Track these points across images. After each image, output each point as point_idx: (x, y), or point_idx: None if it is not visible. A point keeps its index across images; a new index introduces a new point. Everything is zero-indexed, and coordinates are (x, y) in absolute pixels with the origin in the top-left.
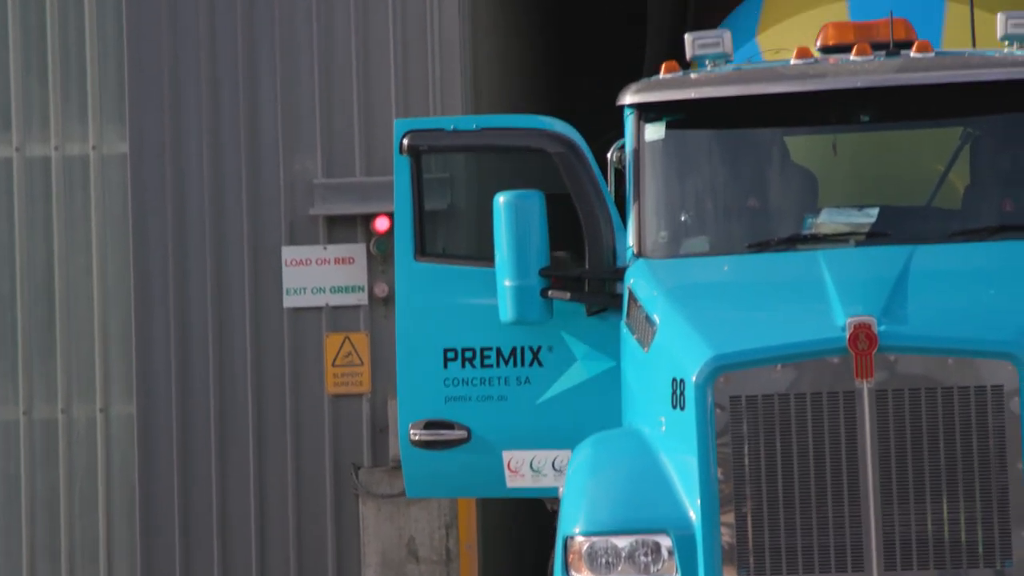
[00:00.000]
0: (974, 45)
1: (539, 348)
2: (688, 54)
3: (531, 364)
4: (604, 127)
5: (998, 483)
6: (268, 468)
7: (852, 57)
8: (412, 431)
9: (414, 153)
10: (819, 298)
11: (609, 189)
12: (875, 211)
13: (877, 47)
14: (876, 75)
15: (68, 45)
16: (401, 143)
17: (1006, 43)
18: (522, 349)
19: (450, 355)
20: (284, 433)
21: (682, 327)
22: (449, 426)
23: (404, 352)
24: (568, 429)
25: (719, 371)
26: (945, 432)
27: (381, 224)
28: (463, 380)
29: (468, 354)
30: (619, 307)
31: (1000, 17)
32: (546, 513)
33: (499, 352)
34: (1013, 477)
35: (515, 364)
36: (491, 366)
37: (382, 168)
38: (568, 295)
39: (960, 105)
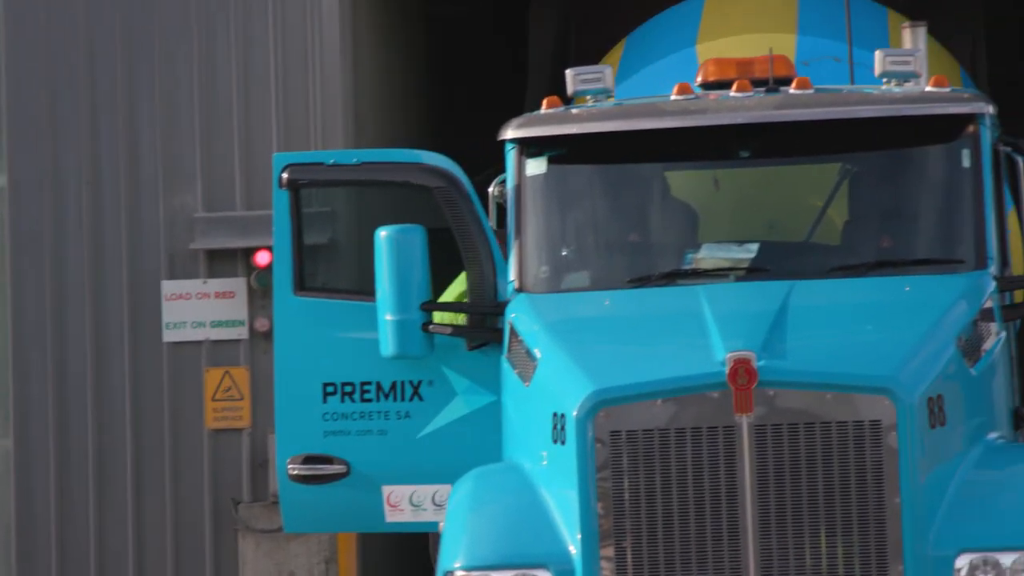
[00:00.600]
0: (852, 82)
1: (419, 383)
2: (569, 89)
3: (411, 399)
4: (487, 161)
5: (875, 517)
6: (147, 503)
7: (732, 93)
8: (290, 466)
9: (293, 187)
10: (699, 333)
11: (491, 223)
12: (755, 246)
13: (757, 83)
14: (756, 111)
15: None
16: (280, 177)
17: (884, 80)
18: (402, 383)
19: (329, 389)
20: (163, 468)
21: (563, 362)
22: (328, 460)
23: (283, 386)
24: (449, 464)
25: (600, 406)
26: (823, 467)
27: (262, 258)
28: (342, 414)
29: (347, 388)
30: (500, 342)
31: (878, 54)
32: (427, 547)
33: (379, 386)
34: (890, 512)
35: (395, 399)
36: (371, 400)
37: (262, 202)
38: (449, 329)
39: (839, 141)
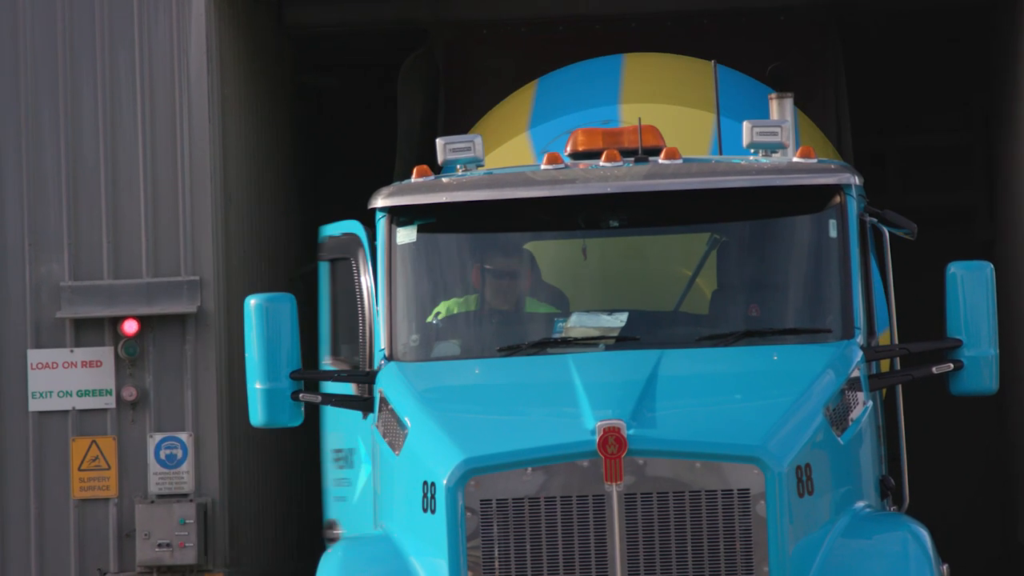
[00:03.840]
0: (720, 152)
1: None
2: (440, 158)
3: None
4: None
5: None
6: (12, 573)
7: (601, 163)
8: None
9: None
10: (569, 402)
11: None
12: (624, 315)
13: (626, 153)
14: (624, 181)
15: None
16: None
17: (752, 150)
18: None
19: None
20: (28, 538)
21: (433, 431)
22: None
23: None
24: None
25: (470, 474)
26: (692, 535)
27: (129, 327)
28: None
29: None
30: (371, 409)
31: (746, 125)
32: None
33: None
34: None
35: (348, 465)
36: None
37: (129, 271)
38: (319, 398)
39: (707, 211)
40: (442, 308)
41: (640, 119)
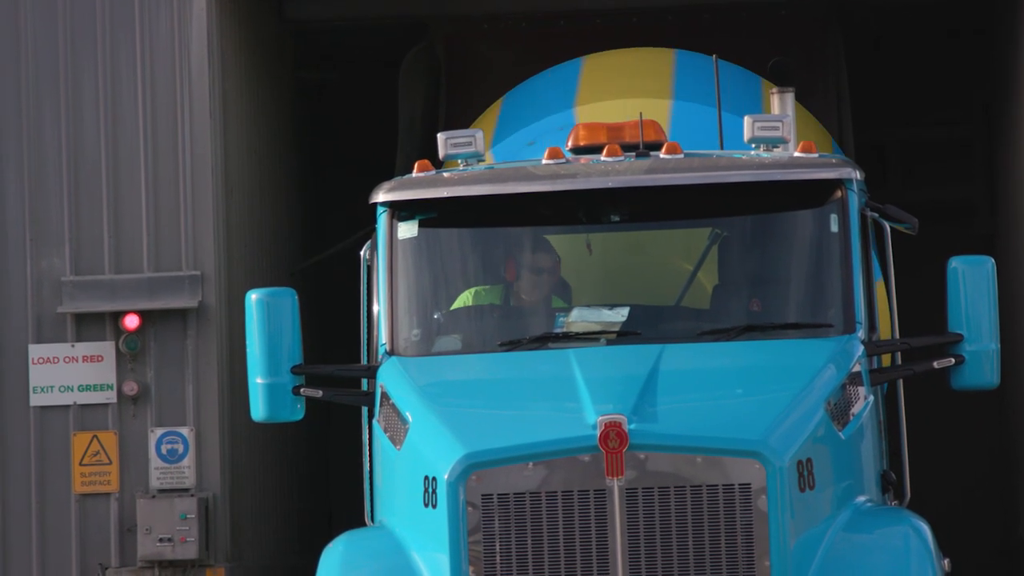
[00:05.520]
0: (722, 147)
1: None
2: (441, 153)
3: None
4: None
5: None
6: (14, 568)
7: (603, 158)
8: None
9: None
10: (570, 396)
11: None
12: (626, 310)
13: (627, 148)
14: (625, 175)
15: None
16: None
17: (753, 145)
18: None
19: None
20: (30, 533)
21: (434, 425)
22: None
23: None
24: None
25: (471, 469)
26: (694, 530)
27: (130, 322)
28: None
29: None
30: (372, 405)
31: (747, 120)
32: None
33: None
34: (760, 574)
35: None
36: None
37: (131, 265)
38: (320, 393)
39: (708, 206)
40: (469, 295)
41: (641, 114)
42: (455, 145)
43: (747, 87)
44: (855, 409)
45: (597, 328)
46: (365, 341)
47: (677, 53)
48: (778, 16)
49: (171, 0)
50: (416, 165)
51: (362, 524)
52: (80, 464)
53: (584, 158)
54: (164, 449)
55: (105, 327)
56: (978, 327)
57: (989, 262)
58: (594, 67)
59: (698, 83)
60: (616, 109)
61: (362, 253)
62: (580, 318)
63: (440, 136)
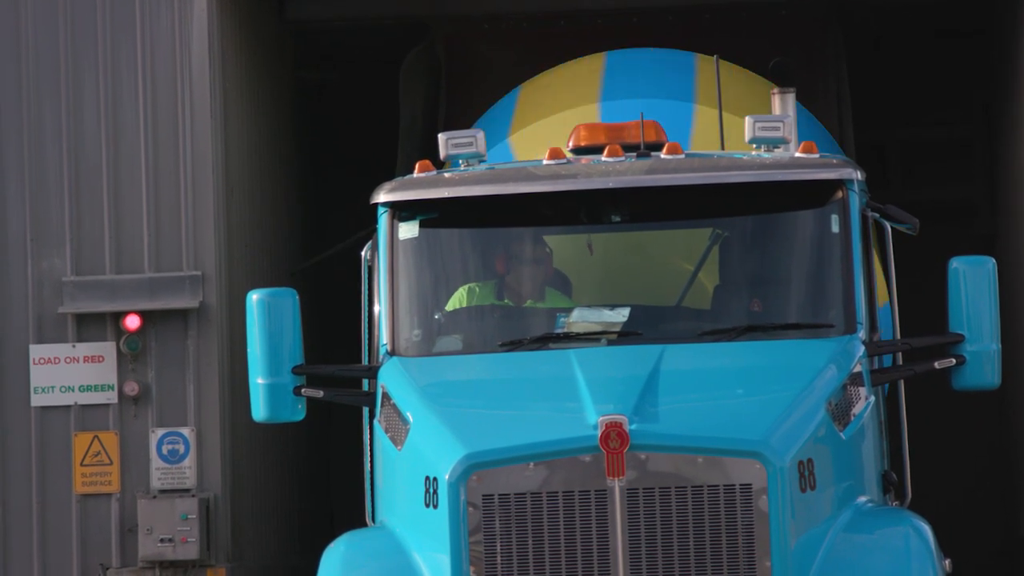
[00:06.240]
0: (723, 147)
1: None
2: (442, 154)
3: None
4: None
5: None
6: (14, 569)
7: (603, 158)
8: None
9: None
10: (571, 397)
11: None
12: (626, 311)
13: (628, 148)
14: (626, 176)
15: None
16: None
17: (753, 146)
18: None
19: None
20: (31, 533)
21: (435, 426)
22: None
23: None
24: None
25: (472, 469)
26: (695, 530)
27: (131, 322)
28: None
29: None
30: (372, 405)
31: (748, 120)
32: None
33: None
34: (760, 574)
35: None
36: None
37: (132, 266)
38: (321, 393)
39: (709, 206)
40: (463, 291)
41: (642, 114)
42: (456, 146)
43: (679, 68)
44: (856, 409)
45: (598, 328)
46: (366, 341)
47: (607, 55)
48: (778, 16)
49: (172, 0)
50: (417, 165)
51: (363, 524)
52: (81, 464)
53: (585, 158)
54: (165, 449)
55: (106, 327)
56: (979, 327)
57: (990, 262)
58: (529, 92)
59: (628, 79)
60: (548, 127)
61: (363, 253)
62: (581, 318)
63: (441, 136)
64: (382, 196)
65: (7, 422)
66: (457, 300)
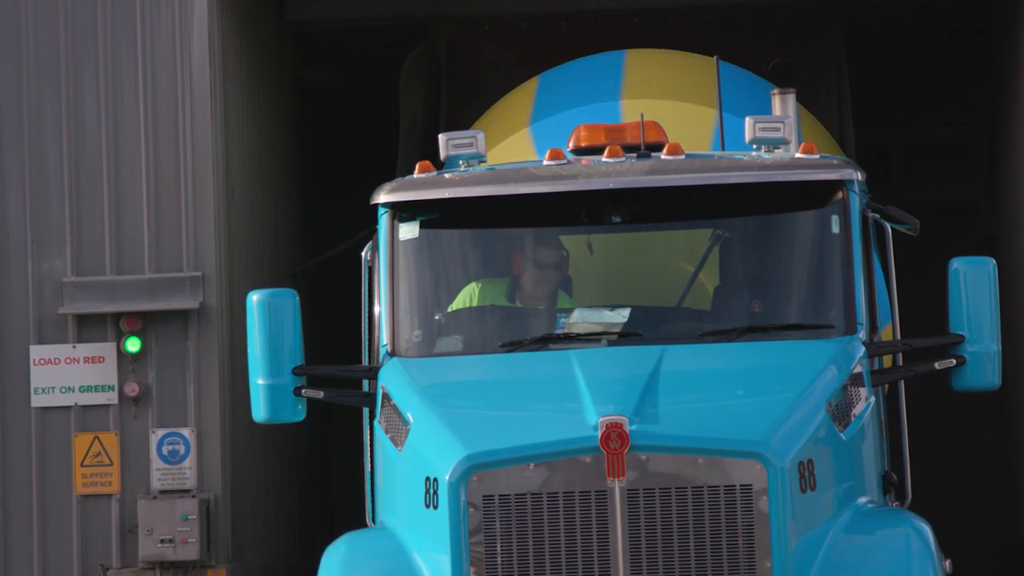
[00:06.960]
0: (723, 148)
1: None
2: (442, 154)
3: None
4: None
5: None
6: (15, 570)
7: (604, 159)
8: None
9: None
10: (571, 397)
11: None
12: (627, 311)
13: (628, 149)
14: (627, 176)
15: None
16: None
17: (754, 146)
18: None
19: None
20: (31, 534)
21: (436, 426)
22: None
23: None
24: None
25: (472, 470)
26: (695, 531)
27: (131, 323)
28: None
29: None
30: (373, 406)
31: (748, 121)
32: None
33: None
34: (761, 575)
35: None
36: None
37: (132, 267)
38: (321, 394)
39: (710, 207)
40: (475, 287)
41: (642, 115)
42: (456, 146)
43: (607, 68)
44: (856, 410)
45: (598, 329)
46: (366, 342)
47: (540, 77)
48: (779, 17)
49: (172, 1)
50: (417, 166)
51: (363, 525)
52: (81, 465)
53: (585, 159)
54: (165, 450)
55: (106, 328)
56: (979, 328)
57: (990, 263)
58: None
59: (558, 94)
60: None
61: (363, 254)
62: (581, 319)
63: (441, 137)
64: (382, 197)
65: (7, 423)
66: (467, 296)
